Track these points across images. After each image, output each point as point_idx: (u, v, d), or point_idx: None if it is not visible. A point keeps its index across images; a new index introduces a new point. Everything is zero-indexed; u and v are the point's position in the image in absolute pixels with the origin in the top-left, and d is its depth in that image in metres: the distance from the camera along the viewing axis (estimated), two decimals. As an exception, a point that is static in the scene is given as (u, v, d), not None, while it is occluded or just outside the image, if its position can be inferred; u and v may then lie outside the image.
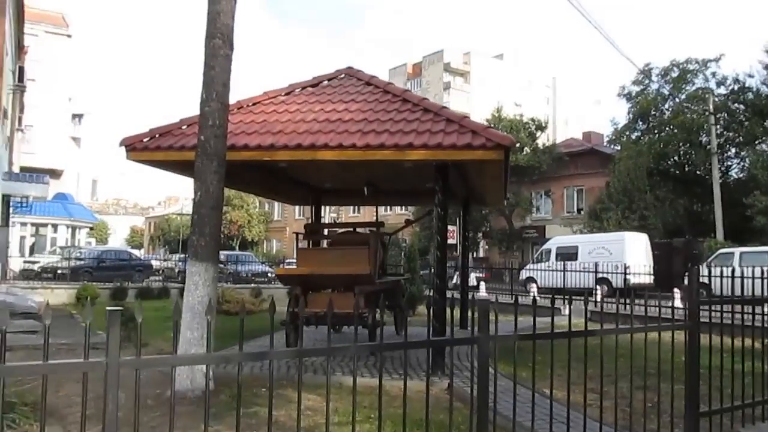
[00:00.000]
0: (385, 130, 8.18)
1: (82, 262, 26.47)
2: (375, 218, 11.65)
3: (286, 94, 9.76)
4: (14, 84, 19.82)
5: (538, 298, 16.34)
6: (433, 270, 8.51)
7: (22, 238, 35.06)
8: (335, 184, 12.90)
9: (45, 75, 40.52)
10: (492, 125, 40.34)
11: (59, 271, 25.46)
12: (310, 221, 14.07)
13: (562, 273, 21.85)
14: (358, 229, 11.86)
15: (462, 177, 10.03)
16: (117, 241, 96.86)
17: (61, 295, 20.93)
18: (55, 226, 35.91)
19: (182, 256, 49.41)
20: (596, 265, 20.19)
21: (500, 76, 76.43)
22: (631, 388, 4.82)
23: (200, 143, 7.41)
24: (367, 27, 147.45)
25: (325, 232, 13.09)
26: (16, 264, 29.92)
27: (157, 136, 8.69)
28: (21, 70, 19.92)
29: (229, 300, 17.09)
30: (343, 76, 10.32)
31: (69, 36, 46.47)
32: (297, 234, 11.02)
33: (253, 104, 9.43)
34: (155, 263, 42.87)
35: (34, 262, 30.03)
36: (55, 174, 48.35)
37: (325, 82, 10.16)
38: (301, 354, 3.06)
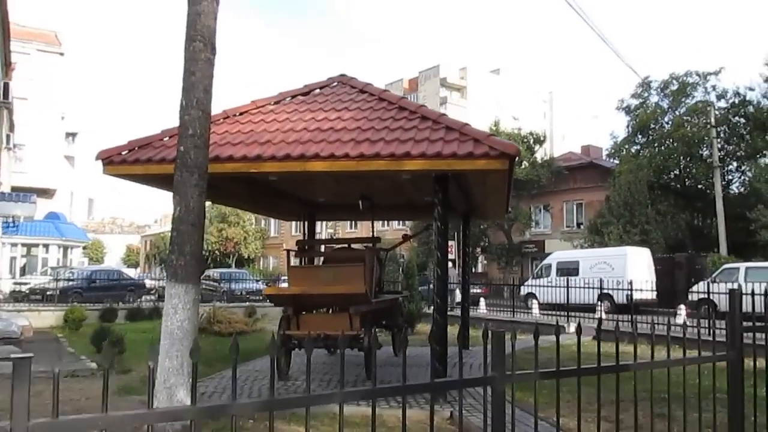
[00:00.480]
0: (380, 139, 7.64)
1: (72, 283, 25.78)
2: (371, 234, 11.07)
3: (275, 103, 9.23)
4: (1, 101, 19.33)
5: (539, 315, 15.70)
6: (433, 288, 7.93)
7: (13, 258, 34.37)
8: (329, 199, 12.34)
9: (37, 93, 40.11)
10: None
11: (48, 293, 24.76)
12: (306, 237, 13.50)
13: (564, 289, 21.27)
14: (353, 246, 11.27)
15: (462, 189, 9.48)
16: (113, 260, 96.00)
17: (48, 317, 20.25)
18: (46, 246, 35.22)
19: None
20: (600, 281, 19.56)
21: (497, 91, 76.26)
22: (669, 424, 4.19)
23: (179, 154, 6.84)
24: (363, 43, 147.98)
25: (322, 248, 12.51)
26: (6, 286, 29.26)
27: (136, 148, 8.14)
28: (6, 86, 19.39)
29: (221, 320, 16.48)
30: (335, 84, 9.80)
31: (61, 54, 46.08)
32: (288, 251, 10.43)
33: (240, 114, 8.89)
34: (149, 282, 42.20)
35: (24, 284, 29.36)
36: (47, 193, 47.75)
37: (317, 91, 9.64)
38: (272, 407, 2.45)
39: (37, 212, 44.30)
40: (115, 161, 7.99)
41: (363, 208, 10.81)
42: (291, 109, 8.93)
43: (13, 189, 39.83)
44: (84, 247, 42.84)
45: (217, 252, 66.02)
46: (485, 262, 45.84)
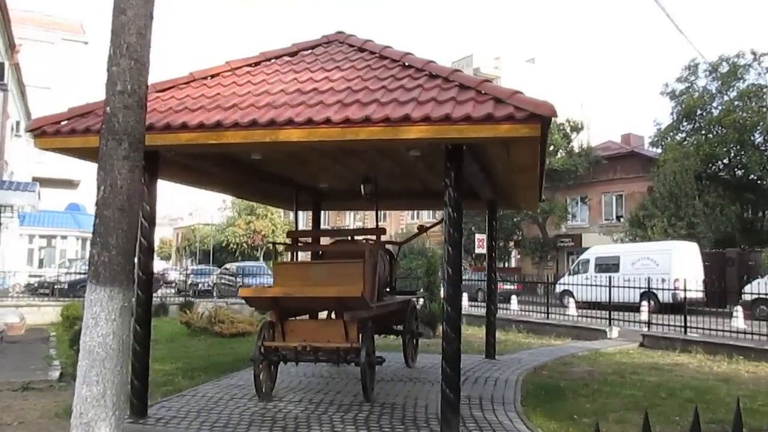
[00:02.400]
0: (373, 100, 5.92)
1: (82, 276, 24.65)
2: (375, 224, 9.40)
3: (255, 64, 7.59)
4: (-6, 82, 18.18)
5: (576, 314, 13.61)
6: (443, 290, 6.20)
7: (30, 250, 33.60)
8: (334, 184, 10.68)
9: (61, 82, 39.38)
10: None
11: (56, 286, 23.72)
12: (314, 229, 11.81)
13: (603, 286, 19.19)
14: (358, 239, 9.59)
15: (483, 168, 7.73)
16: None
17: (48, 313, 19.11)
18: (65, 238, 34.39)
19: (196, 267, 47.78)
20: (648, 279, 17.53)
21: (532, 80, 73.53)
22: None
23: (105, 118, 5.23)
24: (395, 32, 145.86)
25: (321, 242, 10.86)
26: (22, 278, 28.39)
27: (76, 117, 6.58)
28: (2, 67, 18.20)
29: (222, 320, 15.00)
30: (330, 42, 8.10)
31: (86, 43, 45.41)
32: (274, 244, 8.82)
33: (209, 77, 7.28)
34: (173, 275, 41.21)
35: (39, 276, 28.49)
36: (71, 184, 47.20)
37: (307, 51, 7.96)
38: None
39: (59, 203, 43.78)
40: (47, 132, 6.47)
41: (366, 193, 9.14)
42: (271, 71, 7.29)
43: (34, 179, 39.17)
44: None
45: (245, 245, 65.18)
46: (519, 256, 43.74)
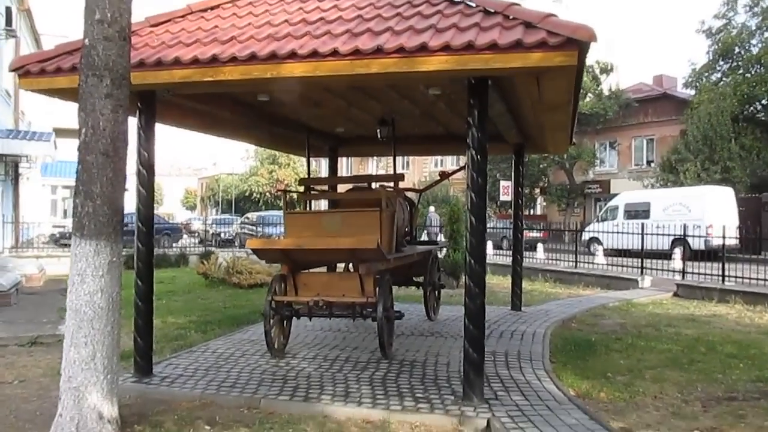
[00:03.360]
0: (386, 29, 5.25)
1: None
2: (393, 170, 8.80)
3: (258, -6, 6.89)
4: (4, 28, 17.59)
5: (604, 263, 12.96)
6: (467, 240, 5.62)
7: (54, 201, 33.70)
8: (350, 128, 10.04)
9: (79, 31, 38.72)
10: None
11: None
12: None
13: (634, 234, 18.40)
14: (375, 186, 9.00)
15: (510, 106, 7.03)
16: (173, 203, 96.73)
17: (63, 264, 18.95)
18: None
19: (217, 216, 47.62)
20: (684, 226, 16.74)
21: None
22: None
23: (84, 51, 4.68)
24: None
25: (339, 189, 10.29)
26: (46, 229, 28.47)
27: (63, 54, 6.01)
28: (9, 11, 17.58)
29: (240, 271, 14.69)
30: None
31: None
32: (285, 192, 8.27)
33: (209, 9, 6.62)
34: (196, 225, 41.20)
35: (62, 227, 28.52)
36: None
37: (316, -21, 7.21)
38: None
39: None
40: (32, 72, 5.91)
41: (382, 137, 8.50)
42: (275, 1, 6.60)
43: (55, 130, 38.97)
44: (125, 189, 41.91)
45: (268, 194, 65.04)
46: (545, 203, 42.86)
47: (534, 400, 5.67)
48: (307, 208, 8.47)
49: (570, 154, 35.22)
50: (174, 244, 25.92)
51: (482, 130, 5.51)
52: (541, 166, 38.14)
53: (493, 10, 5.24)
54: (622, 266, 16.10)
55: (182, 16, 6.49)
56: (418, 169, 51.68)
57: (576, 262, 17.06)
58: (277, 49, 5.18)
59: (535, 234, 28.85)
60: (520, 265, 10.86)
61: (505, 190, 37.12)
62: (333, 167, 11.56)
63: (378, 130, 8.54)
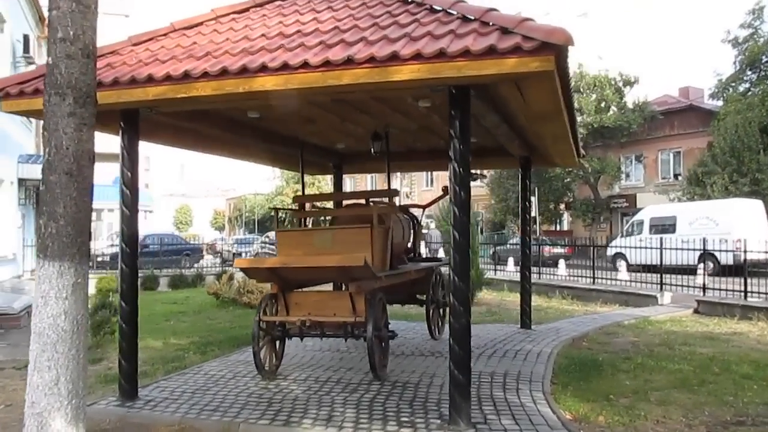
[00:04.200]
0: (360, 39, 5.10)
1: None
2: (388, 186, 8.61)
3: (242, 10, 6.82)
4: (21, 55, 17.94)
5: (627, 279, 12.43)
6: (451, 258, 5.38)
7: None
8: (351, 145, 9.90)
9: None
10: (574, 83, 35.98)
11: (98, 259, 23.90)
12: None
13: (655, 248, 17.78)
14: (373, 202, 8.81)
15: (505, 117, 6.79)
16: (202, 223, 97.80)
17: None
18: (111, 211, 34.81)
19: (239, 236, 47.77)
20: (704, 240, 16.15)
21: (585, 36, 70.52)
22: None
23: (48, 70, 4.59)
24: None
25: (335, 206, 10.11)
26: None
27: (41, 76, 5.97)
28: (27, 39, 17.92)
29: (251, 290, 14.55)
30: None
31: (126, 16, 45.49)
32: (276, 210, 8.13)
33: (191, 26, 6.55)
34: (219, 245, 41.46)
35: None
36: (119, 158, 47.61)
37: (305, -7, 7.12)
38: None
39: (108, 177, 44.44)
40: (11, 94, 5.88)
41: (375, 152, 8.33)
42: (258, 16, 6.51)
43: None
44: (149, 211, 42.41)
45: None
46: (570, 219, 42.19)
47: (525, 424, 5.38)
48: (303, 226, 8.31)
49: (594, 168, 34.72)
50: (195, 264, 26.03)
51: (464, 141, 5.30)
52: (565, 180, 37.65)
53: (472, 17, 5.05)
54: (641, 282, 15.59)
55: (164, 35, 6.43)
56: (440, 186, 51.29)
57: (594, 278, 16.59)
58: (248, 63, 5.06)
59: (559, 250, 28.27)
60: (528, 281, 10.55)
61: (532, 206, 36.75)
62: (338, 184, 11.44)
63: (371, 144, 8.38)
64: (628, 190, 38.35)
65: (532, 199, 36.50)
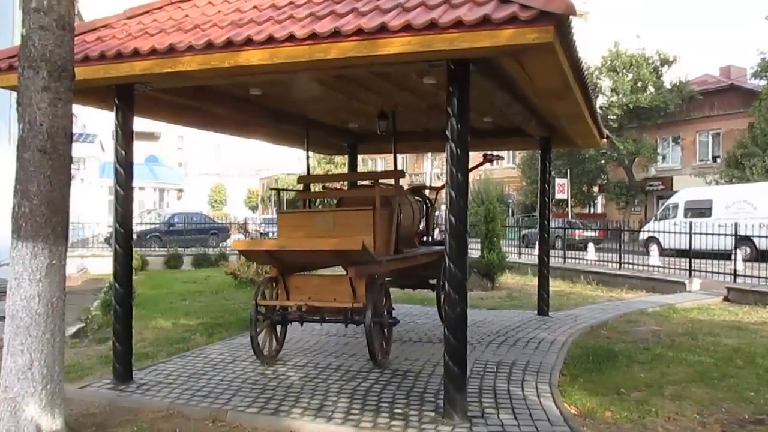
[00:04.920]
0: (351, 10, 4.80)
1: (150, 227, 25.01)
2: (394, 167, 8.32)
3: (240, -18, 6.55)
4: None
5: (658, 264, 11.85)
6: (446, 244, 5.08)
7: (111, 202, 34.66)
8: (363, 124, 9.62)
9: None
10: (609, 62, 34.89)
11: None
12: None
13: (693, 232, 17.07)
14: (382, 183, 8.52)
15: (516, 95, 6.42)
16: (237, 203, 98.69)
17: (108, 264, 19.31)
18: (142, 189, 35.26)
19: (268, 216, 47.93)
20: (735, 225, 15.46)
21: (623, 12, 68.48)
22: None
23: (21, 42, 4.43)
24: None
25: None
26: (103, 229, 29.27)
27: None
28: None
29: (269, 271, 14.40)
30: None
31: None
32: (278, 191, 7.93)
33: (184, 0, 6.32)
34: (251, 225, 41.75)
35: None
36: (153, 137, 48.45)
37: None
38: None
39: (141, 155, 44.96)
40: (1, 68, 5.73)
41: (381, 131, 8.04)
42: (254, -13, 6.23)
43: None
44: (180, 190, 42.85)
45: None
46: (604, 202, 41.27)
47: (524, 419, 5.10)
48: (308, 207, 8.10)
49: (629, 149, 33.77)
50: (222, 244, 26.14)
51: (462, 120, 4.99)
52: (599, 162, 36.74)
53: (470, -14, 4.70)
54: (670, 268, 15.01)
55: (159, 8, 6.22)
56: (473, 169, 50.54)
57: (620, 263, 16.05)
58: (233, 36, 4.82)
59: (590, 233, 27.56)
60: (546, 266, 10.18)
61: (561, 188, 35.95)
62: (353, 164, 11.17)
63: (377, 124, 8.09)
64: (664, 172, 37.25)
65: (564, 181, 35.94)
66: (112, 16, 6.23)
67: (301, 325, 7.43)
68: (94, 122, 30.37)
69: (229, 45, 4.80)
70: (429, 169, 54.11)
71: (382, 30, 4.36)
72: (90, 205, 28.76)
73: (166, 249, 21.79)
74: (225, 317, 10.30)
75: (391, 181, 7.78)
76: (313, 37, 4.54)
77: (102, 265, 19.35)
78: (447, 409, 5.02)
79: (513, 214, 42.55)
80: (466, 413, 5.05)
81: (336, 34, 4.47)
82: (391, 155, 9.03)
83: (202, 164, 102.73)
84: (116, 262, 6.30)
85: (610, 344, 8.15)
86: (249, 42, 4.73)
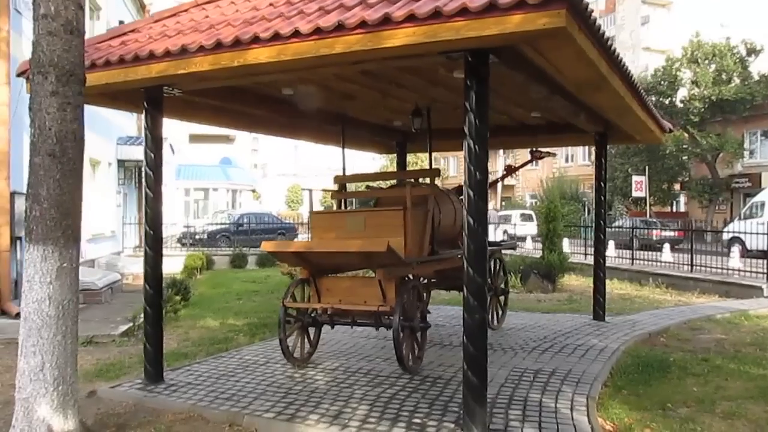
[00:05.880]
0: (359, 2, 4.62)
1: (220, 227, 25.65)
2: (429, 165, 8.05)
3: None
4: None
5: (738, 267, 10.93)
6: (465, 248, 4.79)
7: (187, 203, 35.89)
8: (406, 122, 9.39)
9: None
10: (690, 53, 33.06)
11: (197, 236, 24.89)
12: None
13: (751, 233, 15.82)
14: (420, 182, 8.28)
15: (554, 88, 6.04)
16: (313, 202, 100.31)
17: (178, 263, 19.88)
18: (216, 190, 36.32)
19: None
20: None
21: (713, 5, 64.84)
22: None
23: (33, 47, 4.49)
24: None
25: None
26: (179, 229, 30.34)
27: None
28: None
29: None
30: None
31: None
32: (310, 191, 7.82)
33: (210, 1, 6.30)
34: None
35: (191, 227, 30.27)
36: (228, 139, 49.88)
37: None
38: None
39: (216, 158, 46.39)
40: (22, 76, 5.88)
41: (415, 128, 7.81)
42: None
43: (192, 137, 41.51)
44: (253, 191, 43.84)
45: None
46: (686, 200, 39.25)
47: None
48: (344, 207, 7.97)
49: (711, 144, 31.94)
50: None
51: (481, 116, 4.69)
52: (681, 158, 34.95)
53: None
54: (745, 271, 13.99)
55: (185, 10, 6.24)
56: (548, 167, 49.42)
57: (692, 265, 15.09)
58: (241, 34, 4.72)
59: (668, 233, 26.17)
60: (602, 268, 9.65)
61: (638, 186, 34.40)
62: (402, 163, 10.97)
63: (412, 121, 7.85)
64: (752, 168, 34.96)
65: (642, 178, 34.33)
66: (140, 20, 6.30)
67: (332, 327, 7.30)
68: (176, 128, 31.51)
69: (237, 44, 4.72)
70: (502, 166, 53.07)
71: (386, 21, 4.15)
72: (166, 207, 29.78)
73: (230, 248, 22.26)
74: (272, 317, 10.28)
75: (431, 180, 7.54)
76: (318, 32, 4.38)
77: (173, 264, 19.97)
78: (465, 421, 4.75)
79: (588, 213, 41.13)
80: (486, 426, 4.76)
81: (340, 28, 4.30)
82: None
83: (281, 165, 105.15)
84: (146, 264, 6.36)
85: (665, 354, 7.59)
86: (256, 40, 4.63)
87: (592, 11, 4.14)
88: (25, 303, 4.43)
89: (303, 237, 31.09)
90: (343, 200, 7.93)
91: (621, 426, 5.16)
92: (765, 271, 13.13)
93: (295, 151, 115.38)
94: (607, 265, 16.17)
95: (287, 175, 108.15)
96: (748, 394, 6.04)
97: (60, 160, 4.42)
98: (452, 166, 65.54)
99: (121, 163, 19.92)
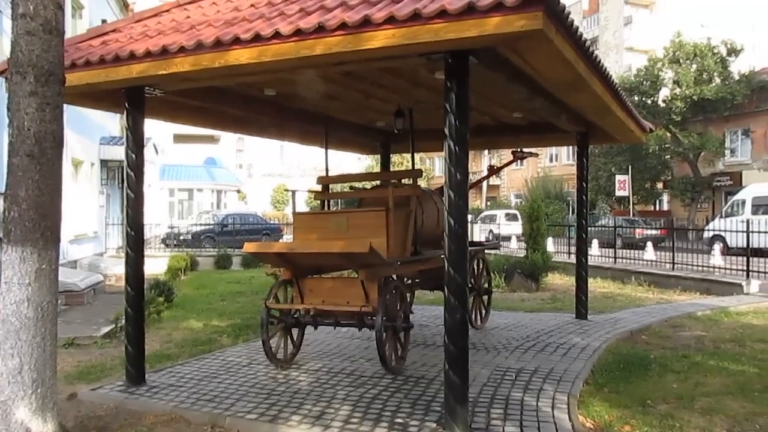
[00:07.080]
0: (340, 4, 4.63)
1: (204, 227, 25.53)
2: (412, 166, 8.08)
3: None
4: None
5: (719, 264, 11.10)
6: (445, 247, 4.82)
7: (171, 203, 35.66)
8: (390, 122, 9.41)
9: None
10: (672, 53, 33.37)
11: (181, 237, 24.75)
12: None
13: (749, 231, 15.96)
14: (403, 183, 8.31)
15: (535, 88, 6.08)
16: (298, 203, 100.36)
17: (164, 263, 19.76)
18: (200, 191, 36.11)
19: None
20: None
21: (695, 6, 65.46)
22: None
23: (12, 47, 4.45)
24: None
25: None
26: (163, 230, 30.13)
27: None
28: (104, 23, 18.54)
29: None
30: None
31: None
32: (293, 192, 7.82)
33: (191, 2, 6.28)
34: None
35: (175, 227, 30.08)
36: (212, 140, 49.60)
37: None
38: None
39: (201, 158, 46.11)
40: None
41: (397, 129, 7.83)
42: (258, -14, 6.14)
43: (175, 137, 41.09)
44: (238, 191, 43.66)
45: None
46: (669, 198, 39.61)
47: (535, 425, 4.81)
48: (328, 208, 7.98)
49: (693, 143, 32.29)
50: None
51: (461, 117, 4.73)
52: (663, 158, 35.29)
53: (465, -26, 4.44)
54: (725, 268, 14.16)
55: (167, 10, 6.21)
56: (533, 167, 49.65)
57: (673, 263, 15.26)
58: (222, 35, 4.72)
59: (651, 231, 26.39)
60: (584, 268, 9.73)
61: (621, 185, 34.72)
62: (385, 164, 10.99)
63: (394, 121, 7.88)
64: (733, 167, 35.38)
65: (625, 177, 34.64)
66: (121, 20, 6.27)
67: (315, 328, 7.30)
68: (160, 128, 31.30)
69: (218, 45, 4.71)
70: (486, 164, 53.28)
71: (366, 23, 4.17)
72: (150, 207, 29.60)
73: (215, 249, 22.17)
74: (256, 319, 10.18)
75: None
76: (299, 33, 4.39)
77: (157, 265, 19.85)
78: (447, 420, 4.78)
79: (572, 212, 41.41)
80: (467, 425, 4.80)
81: (320, 30, 4.31)
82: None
83: (266, 165, 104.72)
84: (128, 266, 6.32)
85: (646, 351, 7.68)
86: (237, 41, 4.63)
87: (569, 13, 4.18)
88: (4, 305, 4.39)
89: (288, 237, 31.06)
90: (326, 201, 7.93)
91: (601, 423, 5.21)
92: (745, 268, 13.29)
93: (280, 152, 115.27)
94: (590, 263, 16.32)
95: (273, 175, 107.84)
96: (727, 390, 6.12)
97: (39, 161, 4.39)
98: (438, 167, 65.68)
99: (104, 163, 19.77)
